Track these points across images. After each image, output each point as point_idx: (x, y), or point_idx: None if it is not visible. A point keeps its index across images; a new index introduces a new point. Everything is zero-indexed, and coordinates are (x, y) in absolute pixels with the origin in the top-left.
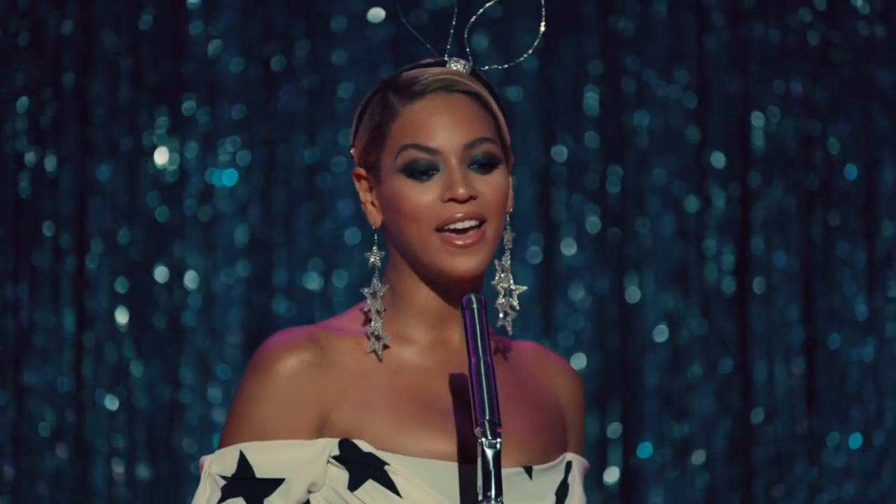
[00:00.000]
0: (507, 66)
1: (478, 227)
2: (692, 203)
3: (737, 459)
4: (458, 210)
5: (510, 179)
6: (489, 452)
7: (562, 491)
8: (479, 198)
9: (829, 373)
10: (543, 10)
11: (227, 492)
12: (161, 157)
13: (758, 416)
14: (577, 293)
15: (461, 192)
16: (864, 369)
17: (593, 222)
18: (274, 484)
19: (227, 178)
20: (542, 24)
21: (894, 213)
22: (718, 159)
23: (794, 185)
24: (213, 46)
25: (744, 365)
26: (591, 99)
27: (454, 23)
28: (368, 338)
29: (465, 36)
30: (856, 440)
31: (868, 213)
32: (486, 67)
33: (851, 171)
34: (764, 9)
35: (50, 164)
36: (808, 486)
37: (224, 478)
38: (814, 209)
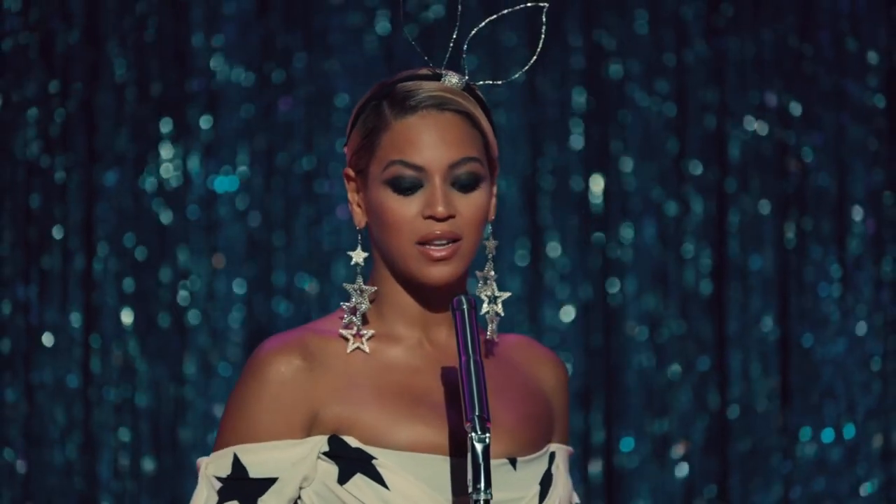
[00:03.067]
0: (500, 82)
1: (453, 242)
2: (671, 209)
3: (714, 453)
4: (437, 228)
5: (494, 190)
6: (479, 447)
7: (546, 481)
8: (457, 217)
9: (802, 370)
10: (544, 26)
11: (223, 494)
12: (165, 163)
13: (734, 411)
14: (563, 295)
15: (440, 210)
16: (836, 367)
17: (578, 227)
18: (267, 483)
19: (228, 184)
20: (541, 40)
21: (864, 219)
22: (696, 167)
23: (768, 192)
24: (215, 59)
25: (720, 363)
26: (576, 109)
27: (454, 37)
28: (346, 339)
29: (464, 49)
30: (828, 434)
31: (839, 219)
32: (481, 83)
33: (824, 179)
34: (740, 23)
35: (59, 170)
36: (783, 479)
37: (220, 479)
38: (788, 214)
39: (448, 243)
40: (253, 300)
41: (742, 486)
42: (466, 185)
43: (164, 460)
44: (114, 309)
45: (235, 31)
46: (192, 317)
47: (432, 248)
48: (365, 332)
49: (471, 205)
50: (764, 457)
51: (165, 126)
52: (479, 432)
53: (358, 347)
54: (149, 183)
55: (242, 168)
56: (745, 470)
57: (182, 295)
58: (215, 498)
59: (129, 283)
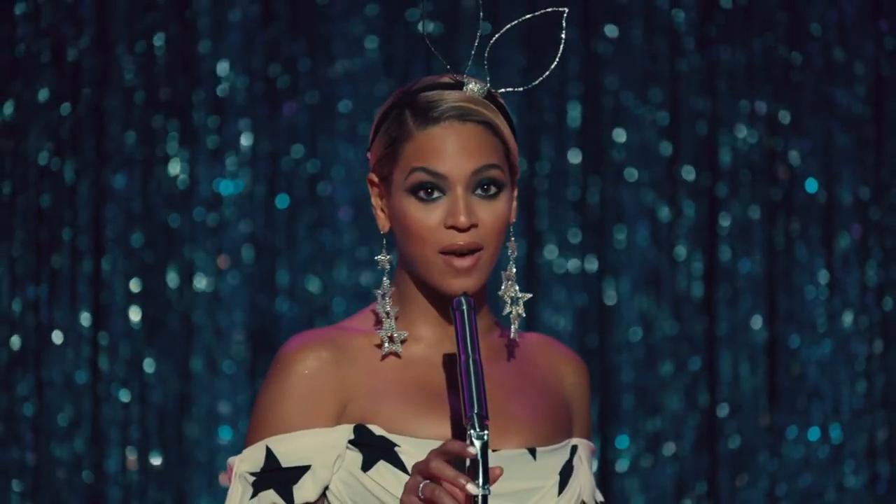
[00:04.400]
0: (522, 88)
1: (474, 252)
2: (665, 213)
3: (704, 451)
4: (459, 238)
5: (514, 193)
6: (477, 443)
7: (566, 472)
8: (479, 226)
9: (789, 371)
10: (563, 34)
11: (258, 486)
12: (172, 166)
13: (723, 410)
14: (559, 296)
15: (462, 220)
16: (822, 367)
17: (574, 230)
18: (300, 471)
19: (233, 186)
20: (561, 43)
21: (850, 224)
22: (689, 172)
23: (758, 197)
24: (222, 64)
25: (711, 363)
26: (573, 116)
27: (475, 44)
28: (383, 340)
29: (485, 57)
30: (814, 433)
31: (827, 224)
32: (503, 90)
33: (811, 185)
34: (731, 34)
35: (69, 173)
36: (770, 476)
37: (253, 474)
38: (777, 219)
39: (469, 255)
40: (257, 300)
41: (730, 483)
42: (488, 193)
43: (170, 455)
44: (122, 308)
45: (241, 38)
46: (198, 316)
47: (455, 259)
48: (399, 334)
49: (492, 213)
50: (752, 454)
51: (173, 130)
52: (478, 429)
53: (393, 352)
54: (156, 185)
55: (247, 171)
56: (733, 467)
57: (188, 295)
58: (250, 491)
59: (136, 283)
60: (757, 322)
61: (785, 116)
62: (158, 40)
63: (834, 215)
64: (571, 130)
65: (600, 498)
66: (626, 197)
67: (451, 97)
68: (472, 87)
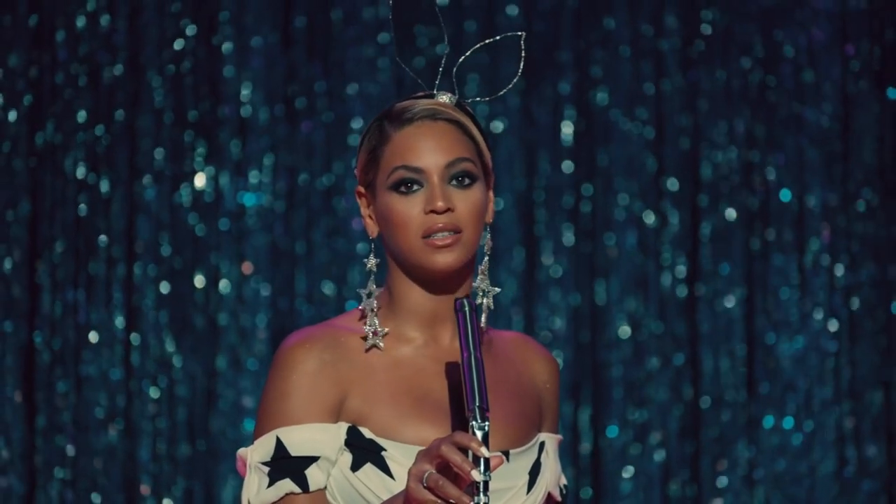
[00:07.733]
0: (488, 99)
1: (454, 234)
2: (651, 221)
3: (688, 439)
4: (439, 220)
5: (490, 195)
6: (479, 434)
7: (534, 470)
8: (455, 211)
9: (765, 365)
10: (523, 53)
11: (274, 475)
12: (199, 181)
13: (705, 402)
14: (555, 297)
15: (440, 205)
16: (796, 362)
17: (568, 237)
18: (310, 461)
19: (255, 199)
20: (521, 64)
21: (820, 230)
22: (673, 184)
23: (736, 206)
24: (244, 87)
25: (694, 359)
26: (566, 132)
27: (443, 61)
28: (366, 336)
29: (454, 73)
30: (788, 422)
31: (799, 230)
32: (471, 100)
33: (785, 194)
34: (711, 56)
35: (104, 186)
36: (748, 462)
37: (266, 464)
38: (753, 226)
39: (450, 234)
40: (277, 303)
41: (712, 469)
42: (462, 182)
43: (197, 446)
44: (152, 310)
45: (262, 62)
46: (223, 318)
47: (436, 238)
48: (381, 329)
49: (467, 200)
50: (731, 442)
51: (199, 147)
52: (479, 420)
53: (374, 345)
54: (184, 197)
55: (268, 184)
56: (714, 454)
57: (214, 298)
58: (266, 480)
59: (166, 287)
60: (736, 321)
61: (760, 132)
62: (186, 65)
63: (805, 222)
64: (565, 145)
65: (564, 481)
66: (616, 206)
67: (422, 103)
68: (443, 96)
